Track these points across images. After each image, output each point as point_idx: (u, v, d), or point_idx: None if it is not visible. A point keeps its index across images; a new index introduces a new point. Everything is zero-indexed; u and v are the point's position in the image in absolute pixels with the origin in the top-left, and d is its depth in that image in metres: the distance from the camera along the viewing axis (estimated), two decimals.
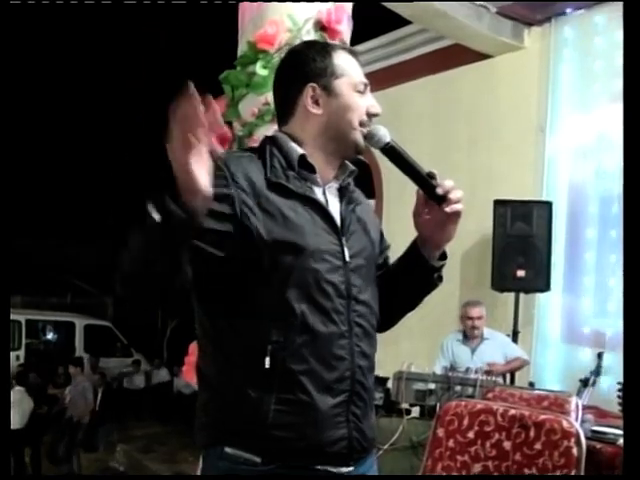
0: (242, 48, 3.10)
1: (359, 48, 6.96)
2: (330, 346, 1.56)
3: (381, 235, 1.83)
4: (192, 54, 13.88)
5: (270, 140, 1.68)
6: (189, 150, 1.30)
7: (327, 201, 1.66)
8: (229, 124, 3.13)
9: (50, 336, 15.83)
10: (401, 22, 6.70)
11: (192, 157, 1.30)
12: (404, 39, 7.30)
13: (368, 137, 1.65)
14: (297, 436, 1.53)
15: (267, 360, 1.52)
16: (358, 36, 4.51)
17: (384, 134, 1.66)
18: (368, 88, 1.70)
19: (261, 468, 1.53)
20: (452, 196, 1.62)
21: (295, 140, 1.66)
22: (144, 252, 1.41)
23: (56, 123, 17.40)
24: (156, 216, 1.34)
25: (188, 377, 3.07)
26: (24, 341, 14.36)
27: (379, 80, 7.47)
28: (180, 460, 8.77)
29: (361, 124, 1.66)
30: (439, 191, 1.62)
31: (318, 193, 1.65)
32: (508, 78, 6.42)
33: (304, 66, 1.68)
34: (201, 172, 1.33)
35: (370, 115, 1.67)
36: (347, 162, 1.73)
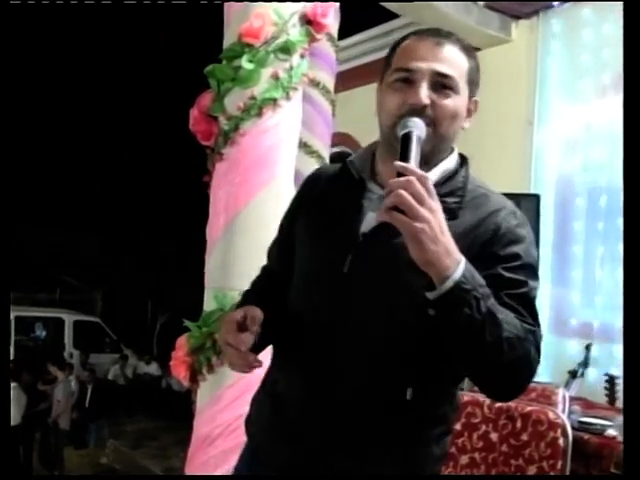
0: (227, 41, 3.09)
1: (347, 42, 6.95)
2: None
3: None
4: (178, 49, 13.85)
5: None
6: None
7: (368, 208, 1.50)
8: (215, 118, 3.12)
9: (39, 332, 15.77)
10: (388, 15, 6.68)
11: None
12: (392, 32, 7.27)
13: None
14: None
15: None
16: (345, 29, 4.51)
17: (407, 124, 1.43)
18: (417, 73, 1.47)
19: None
20: (386, 200, 1.28)
21: None
22: None
23: (46, 113, 17.36)
24: None
25: (175, 372, 3.05)
26: (13, 338, 14.29)
27: (366, 74, 7.45)
28: (171, 455, 8.77)
29: (400, 118, 1.48)
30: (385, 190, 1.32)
31: (365, 200, 1.51)
32: (496, 71, 6.41)
33: None
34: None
35: (411, 106, 1.48)
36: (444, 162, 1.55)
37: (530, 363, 1.40)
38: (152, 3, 12.68)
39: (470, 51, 1.53)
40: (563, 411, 3.03)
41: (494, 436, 2.39)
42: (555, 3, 6.09)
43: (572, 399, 3.50)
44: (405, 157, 1.33)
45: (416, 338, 1.42)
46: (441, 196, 1.34)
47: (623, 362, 1.62)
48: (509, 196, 5.78)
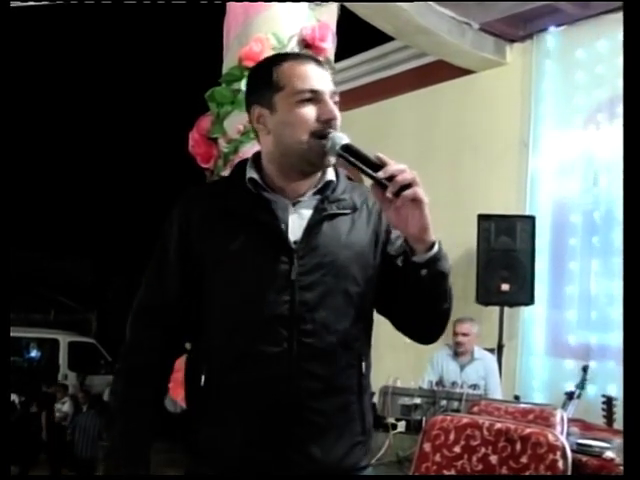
0: (227, 65, 3.12)
1: (343, 64, 7.00)
2: (261, 367, 1.54)
3: (384, 240, 1.66)
4: (176, 72, 13.91)
5: (237, 165, 1.72)
6: None
7: (286, 218, 1.59)
8: (214, 141, 3.14)
9: (34, 353, 15.66)
10: (385, 39, 6.74)
11: None
12: (388, 55, 7.34)
13: (329, 147, 1.53)
14: (222, 455, 1.60)
15: (202, 378, 1.62)
16: (342, 52, 4.55)
17: (340, 137, 1.52)
18: (322, 94, 1.56)
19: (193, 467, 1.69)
20: (398, 178, 1.43)
21: (261, 159, 1.66)
22: None
23: (38, 138, 17.38)
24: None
25: (174, 394, 3.04)
26: None
27: (363, 96, 7.51)
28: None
29: (316, 135, 1.54)
30: (380, 175, 1.44)
31: (279, 211, 1.59)
32: (491, 94, 6.48)
33: (251, 86, 1.67)
34: None
35: (325, 122, 1.55)
36: (327, 173, 1.63)
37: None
38: (150, 26, 12.75)
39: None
40: (561, 433, 3.02)
41: (494, 459, 2.38)
42: (549, 27, 6.17)
43: (570, 420, 3.50)
44: (367, 159, 1.48)
45: (362, 318, 1.63)
46: (341, 194, 1.63)
47: (623, 378, 1.63)
48: (505, 217, 5.81)
